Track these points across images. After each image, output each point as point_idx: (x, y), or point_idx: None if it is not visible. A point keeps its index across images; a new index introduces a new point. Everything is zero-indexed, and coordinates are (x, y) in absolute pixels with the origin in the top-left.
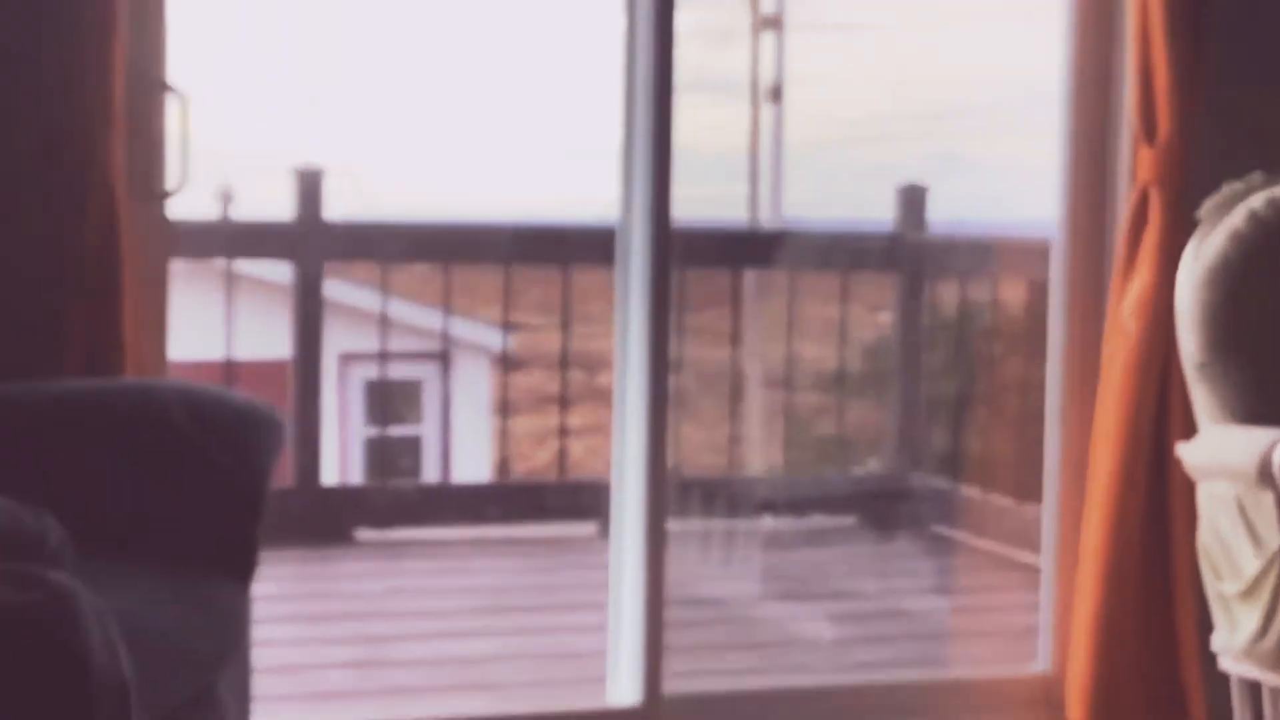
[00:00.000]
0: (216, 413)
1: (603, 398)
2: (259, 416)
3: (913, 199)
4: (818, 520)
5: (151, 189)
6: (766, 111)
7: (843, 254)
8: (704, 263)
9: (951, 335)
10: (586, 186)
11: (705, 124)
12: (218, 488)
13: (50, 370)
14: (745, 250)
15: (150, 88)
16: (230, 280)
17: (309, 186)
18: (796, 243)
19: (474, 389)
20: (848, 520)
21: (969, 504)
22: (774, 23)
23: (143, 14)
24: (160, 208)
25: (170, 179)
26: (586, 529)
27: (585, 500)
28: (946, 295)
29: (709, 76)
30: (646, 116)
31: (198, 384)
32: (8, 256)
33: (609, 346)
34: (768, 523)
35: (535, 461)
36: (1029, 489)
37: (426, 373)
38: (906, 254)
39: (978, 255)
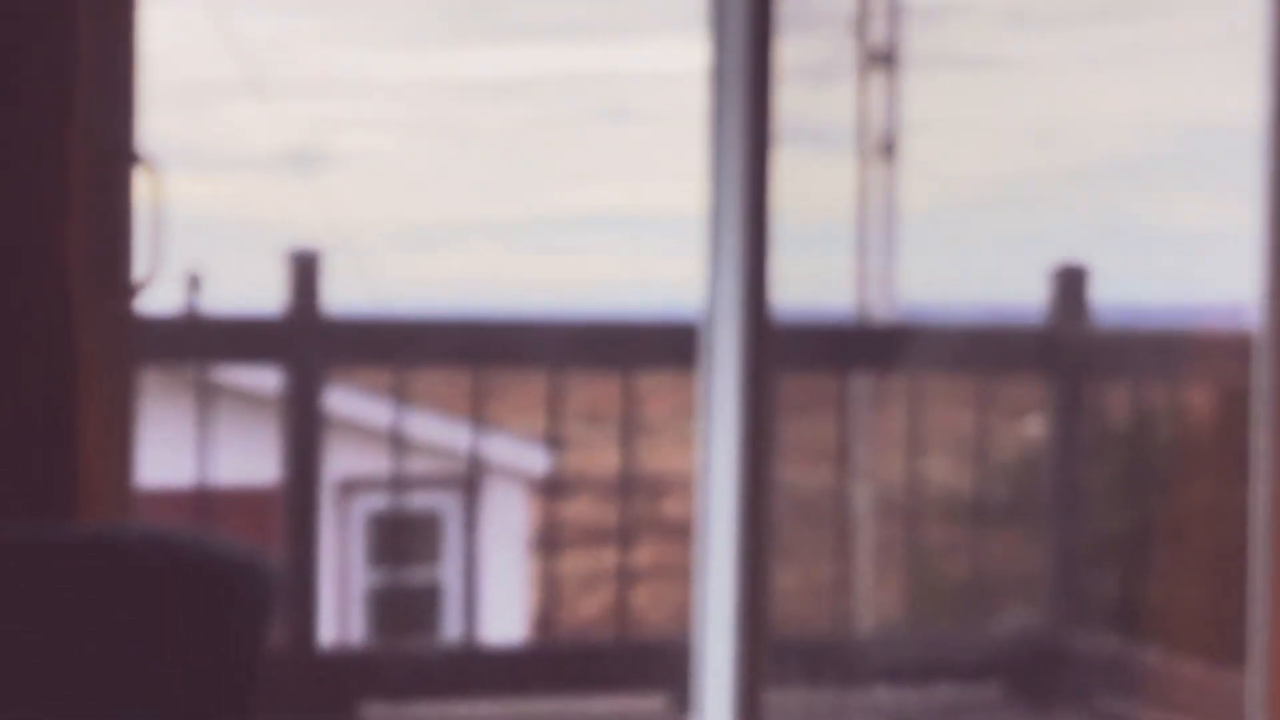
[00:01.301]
0: (195, 569)
1: (669, 531)
2: (249, 573)
3: (1071, 283)
4: (949, 691)
5: (115, 282)
6: (876, 168)
7: (980, 352)
8: (799, 363)
9: (1122, 451)
10: (648, 266)
11: (799, 183)
12: (195, 668)
13: None
14: (853, 349)
15: (114, 159)
16: (204, 390)
17: (304, 272)
18: (919, 340)
19: (505, 522)
20: (988, 691)
21: (1149, 670)
22: (885, 57)
23: (107, 73)
24: (126, 304)
25: (138, 269)
26: (652, 703)
27: (652, 665)
28: (1113, 401)
29: (803, 125)
30: (738, 177)
31: (170, 530)
32: None
33: (674, 464)
34: (884, 695)
35: (582, 613)
36: (1229, 650)
37: (445, 503)
38: (1063, 351)
39: (1154, 352)
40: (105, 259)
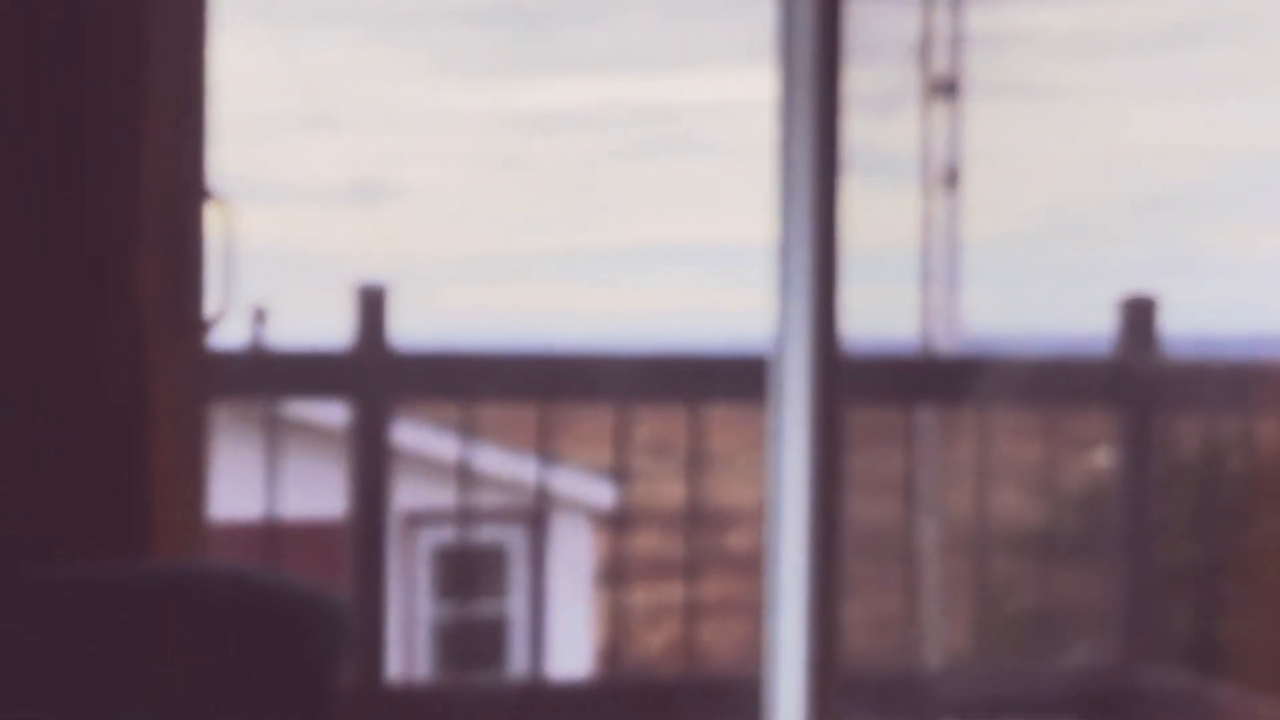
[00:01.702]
0: (270, 608)
1: (734, 564)
2: (324, 612)
3: (1139, 313)
4: None
5: (187, 318)
6: (939, 198)
7: (1048, 384)
8: (864, 394)
9: (1192, 484)
10: (714, 298)
11: (861, 214)
12: (270, 708)
13: (54, 548)
14: (919, 380)
15: (186, 195)
16: (272, 424)
17: (371, 306)
18: (986, 371)
19: (571, 556)
20: None
21: (1222, 707)
22: (948, 87)
23: (179, 108)
24: (198, 341)
25: (210, 304)
26: None
27: (720, 699)
28: (1184, 433)
29: (866, 155)
30: (807, 207)
31: (245, 568)
32: (7, 405)
33: (741, 497)
34: None
35: (649, 646)
36: None
37: (511, 536)
38: (1132, 383)
39: (1225, 384)
40: (178, 295)
